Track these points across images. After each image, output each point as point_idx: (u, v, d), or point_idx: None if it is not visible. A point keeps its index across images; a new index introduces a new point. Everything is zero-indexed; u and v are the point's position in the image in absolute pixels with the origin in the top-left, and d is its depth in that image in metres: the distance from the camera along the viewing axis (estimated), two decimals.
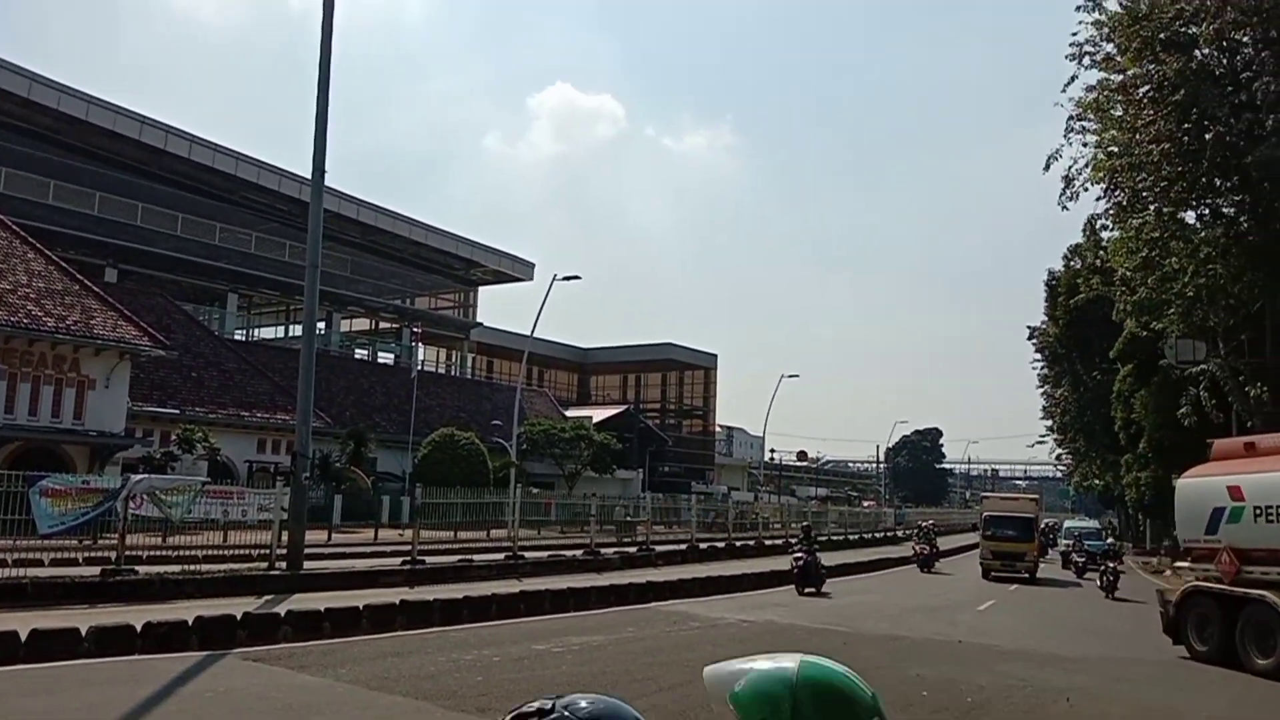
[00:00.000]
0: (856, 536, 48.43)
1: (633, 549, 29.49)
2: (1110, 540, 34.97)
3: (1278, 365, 27.28)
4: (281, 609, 14.16)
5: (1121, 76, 25.83)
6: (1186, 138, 24.05)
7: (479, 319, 78.77)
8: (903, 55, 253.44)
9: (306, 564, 19.17)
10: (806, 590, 22.90)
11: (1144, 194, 26.03)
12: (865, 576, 30.46)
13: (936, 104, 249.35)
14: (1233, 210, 26.14)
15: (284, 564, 18.61)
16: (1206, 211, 26.64)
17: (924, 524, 38.54)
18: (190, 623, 12.46)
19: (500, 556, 24.35)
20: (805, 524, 29.68)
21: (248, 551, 20.80)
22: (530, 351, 53.66)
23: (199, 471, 33.30)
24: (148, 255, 53.77)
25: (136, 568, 17.08)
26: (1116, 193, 26.67)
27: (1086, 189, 26.96)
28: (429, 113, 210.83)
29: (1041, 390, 69.12)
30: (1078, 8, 25.80)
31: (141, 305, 41.38)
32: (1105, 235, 31.44)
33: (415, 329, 63.09)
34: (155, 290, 48.74)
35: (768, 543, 36.50)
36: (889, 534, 53.89)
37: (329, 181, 21.93)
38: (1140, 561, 44.74)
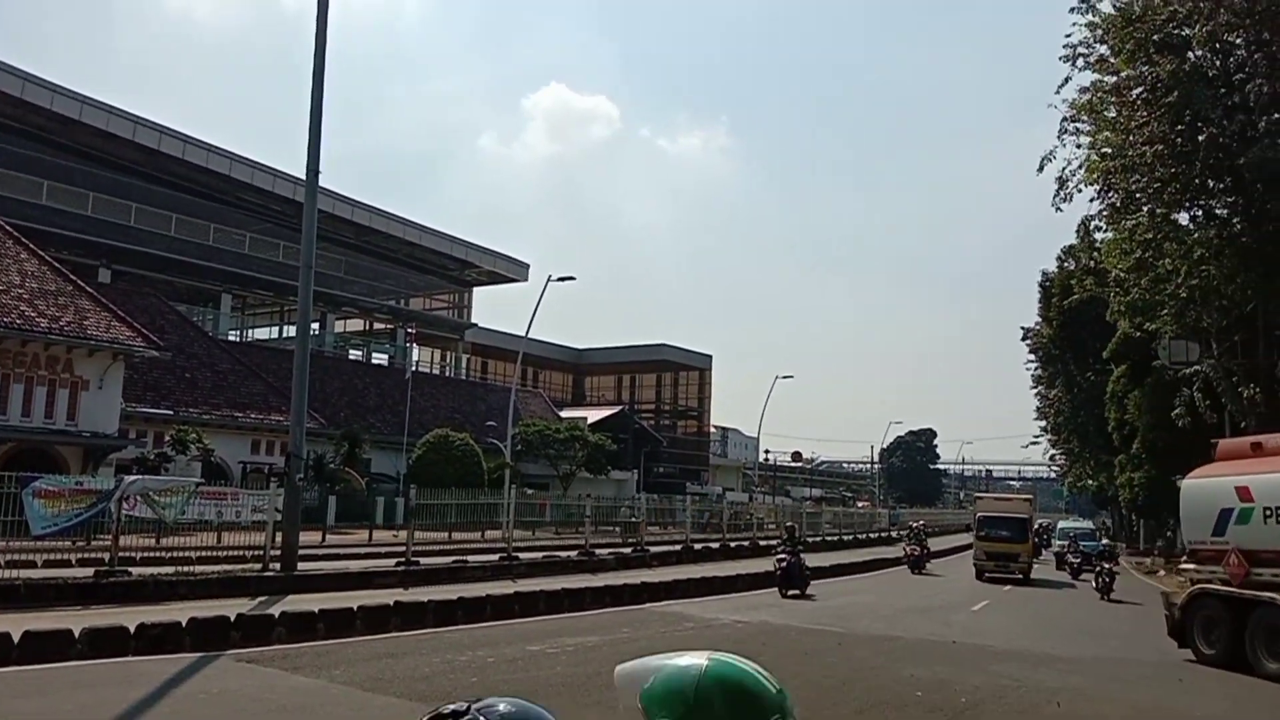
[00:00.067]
0: (851, 537, 48.48)
1: (628, 550, 29.48)
2: (1106, 541, 34.84)
3: (1270, 366, 27.36)
4: (275, 610, 14.14)
5: (1115, 78, 25.89)
6: (1180, 139, 24.12)
7: (474, 320, 78.77)
8: (897, 56, 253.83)
9: (301, 565, 19.14)
10: (790, 593, 22.44)
11: (1137, 195, 26.11)
12: (858, 577, 30.46)
13: (931, 105, 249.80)
14: (1226, 212, 26.22)
15: (278, 565, 18.57)
16: (1200, 213, 26.72)
17: (914, 524, 38.38)
18: (184, 624, 12.44)
19: (495, 557, 24.32)
20: (789, 525, 29.44)
21: (242, 553, 20.76)
22: (525, 352, 53.64)
23: (193, 472, 33.22)
24: (141, 256, 53.67)
25: (130, 569, 17.05)
26: (1110, 194, 26.73)
27: (1080, 190, 27.03)
28: (424, 113, 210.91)
29: (1035, 391, 69.39)
30: (1072, 9, 25.88)
31: (135, 306, 41.31)
32: (1099, 236, 31.59)
33: (410, 330, 63.08)
34: (149, 291, 48.67)
35: (762, 543, 36.47)
36: (883, 534, 53.92)
37: (323, 182, 21.92)
38: (1134, 562, 44.85)
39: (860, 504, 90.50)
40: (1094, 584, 27.30)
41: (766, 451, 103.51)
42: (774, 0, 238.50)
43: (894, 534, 54.35)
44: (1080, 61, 26.17)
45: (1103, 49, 25.85)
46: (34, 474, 18.52)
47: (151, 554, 19.92)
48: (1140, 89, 25.11)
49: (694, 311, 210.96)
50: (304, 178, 20.84)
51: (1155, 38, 24.61)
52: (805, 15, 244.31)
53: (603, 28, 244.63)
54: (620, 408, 77.41)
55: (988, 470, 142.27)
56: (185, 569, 17.81)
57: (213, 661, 11.41)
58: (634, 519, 41.16)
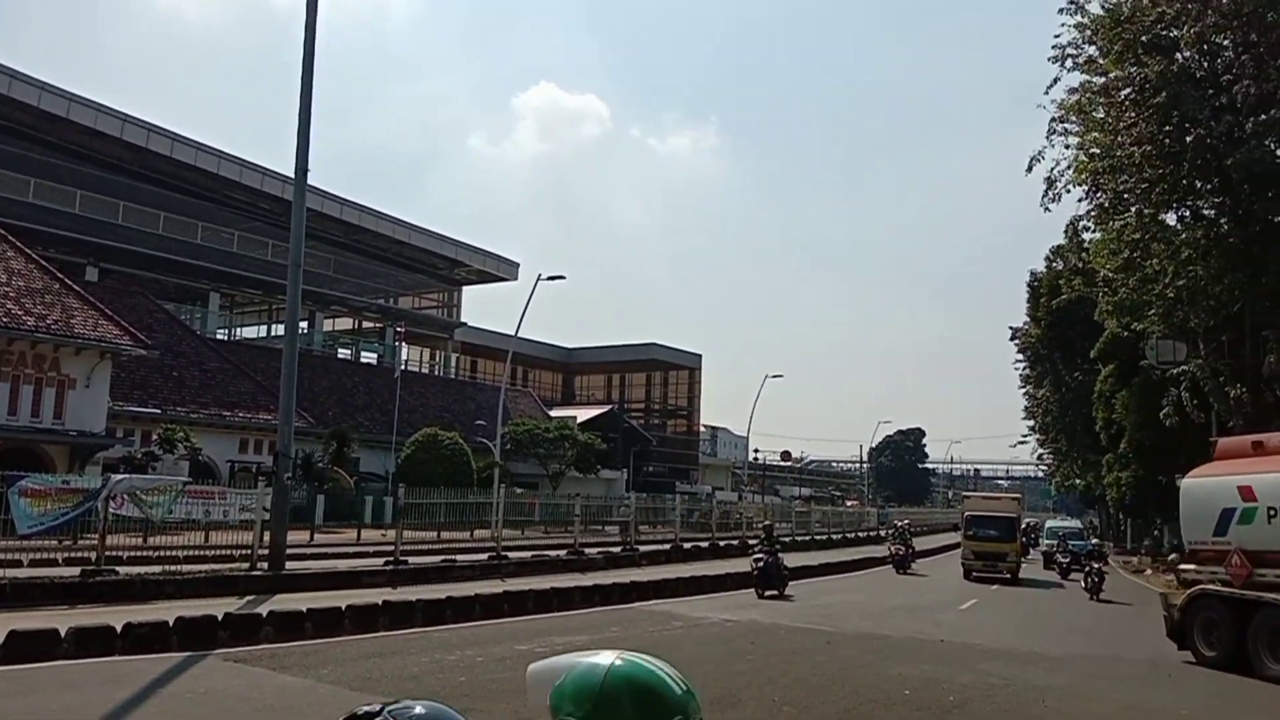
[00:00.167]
0: (840, 536, 48.63)
1: (617, 549, 29.47)
2: (1095, 541, 34.72)
3: (1257, 366, 27.50)
4: (263, 609, 14.10)
5: (1103, 79, 25.96)
6: (1167, 140, 24.21)
7: (463, 319, 78.60)
8: (887, 57, 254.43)
9: (289, 564, 19.10)
10: (767, 593, 21.87)
11: (1125, 196, 26.18)
12: (845, 576, 30.55)
13: (921, 105, 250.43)
14: (1213, 212, 26.33)
15: (266, 564, 18.53)
16: (1187, 213, 26.82)
17: (899, 523, 38.00)
18: (171, 623, 12.39)
19: (484, 557, 24.31)
20: (766, 523, 28.94)
21: (229, 552, 20.72)
22: (514, 351, 53.58)
23: (180, 471, 33.09)
24: (129, 254, 53.39)
25: (117, 568, 16.98)
26: (1098, 194, 26.79)
27: (1069, 191, 27.07)
28: (413, 112, 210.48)
29: (1023, 390, 69.58)
30: (1060, 10, 25.93)
31: (123, 304, 41.11)
32: (1087, 237, 31.60)
33: (399, 328, 62.91)
34: (136, 289, 48.42)
35: (751, 542, 36.43)
36: (872, 533, 54.06)
37: (312, 180, 21.87)
38: (1121, 561, 45.01)
39: (849, 503, 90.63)
40: (1083, 584, 27.22)
41: (756, 451, 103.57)
42: (764, 1, 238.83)
43: (882, 533, 54.43)
44: (1069, 62, 26.24)
45: (1091, 50, 25.92)
46: (20, 473, 18.41)
47: (138, 553, 19.85)
48: (1128, 90, 25.19)
49: (684, 311, 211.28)
50: (293, 176, 20.79)
51: (1143, 39, 24.69)
52: (795, 16, 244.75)
53: (592, 27, 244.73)
54: (610, 407, 77.36)
55: (976, 469, 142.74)
56: (172, 568, 17.75)
57: (200, 661, 11.37)
58: (624, 518, 41.22)
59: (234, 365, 46.64)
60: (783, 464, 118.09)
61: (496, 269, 75.35)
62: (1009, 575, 31.11)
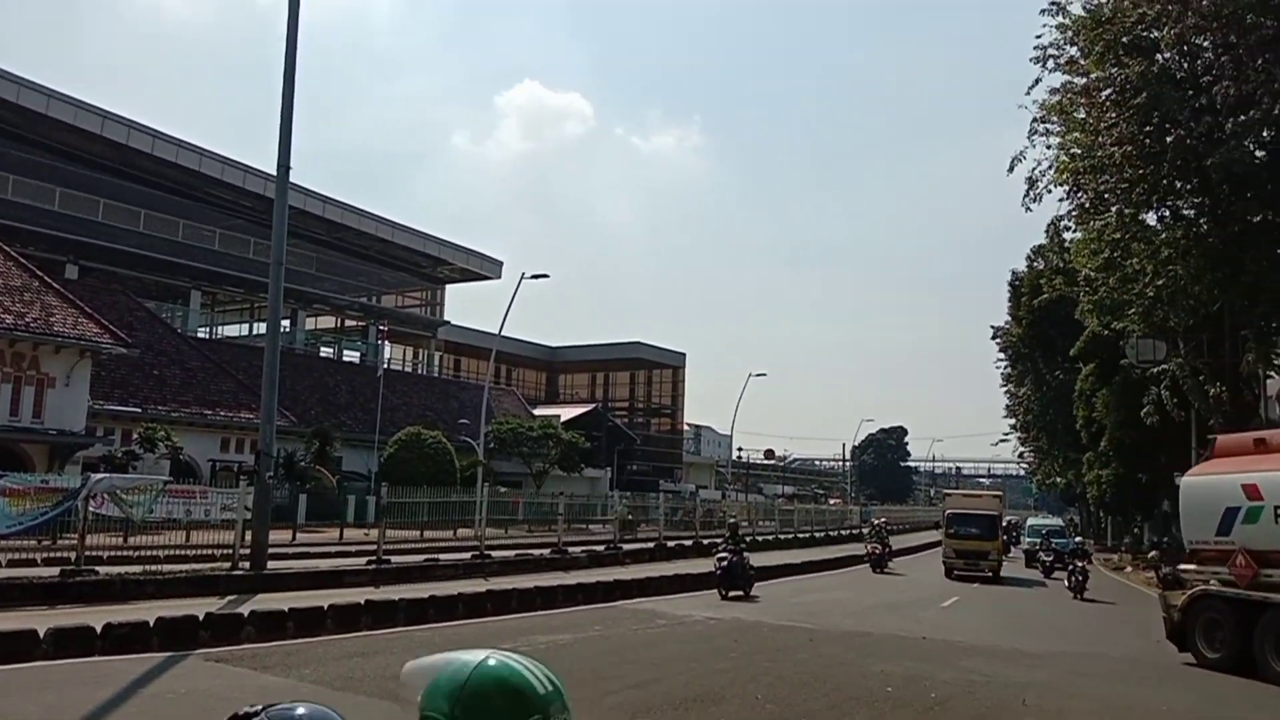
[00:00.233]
0: (823, 534, 48.76)
1: (601, 547, 29.46)
2: (1079, 539, 34.50)
3: (1236, 365, 27.72)
4: (245, 609, 14.03)
5: (1085, 79, 26.11)
6: (1148, 140, 24.37)
7: (446, 317, 78.42)
8: (870, 57, 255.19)
9: (270, 564, 19.00)
10: (732, 594, 21.19)
11: (1106, 196, 26.34)
12: (828, 574, 30.62)
13: (904, 105, 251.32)
14: (1193, 212, 26.52)
15: (247, 564, 18.43)
16: (1167, 213, 27.00)
17: (876, 521, 37.68)
18: (151, 623, 12.31)
19: (467, 555, 24.27)
20: (731, 521, 28.56)
21: (211, 551, 20.62)
22: (498, 350, 53.48)
23: (161, 471, 32.90)
24: (109, 252, 53.04)
25: (97, 568, 16.84)
26: (1079, 194, 26.96)
27: (1050, 191, 27.24)
28: (396, 110, 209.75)
29: (1005, 389, 70.00)
30: (1042, 11, 26.08)
31: (103, 302, 40.80)
32: (1068, 236, 31.88)
33: (381, 327, 62.70)
34: (117, 287, 48.06)
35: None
36: (854, 531, 54.21)
37: (295, 178, 21.78)
38: (1102, 559, 45.26)
39: (832, 501, 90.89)
40: (1066, 582, 27.04)
41: (739, 449, 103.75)
42: (748, 0, 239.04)
43: (865, 531, 54.67)
44: (1050, 63, 26.40)
45: (1073, 50, 26.07)
46: None
47: (119, 553, 19.73)
48: (1109, 90, 25.34)
49: (668, 310, 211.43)
50: (275, 174, 20.68)
51: (1124, 40, 24.84)
52: (778, 15, 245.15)
53: (576, 25, 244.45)
54: (594, 405, 77.35)
55: (958, 467, 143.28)
56: (153, 568, 17.64)
57: (181, 661, 11.32)
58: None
59: (215, 364, 46.38)
60: (766, 462, 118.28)
61: (480, 267, 75.19)
62: (991, 574, 30.89)
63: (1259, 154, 24.36)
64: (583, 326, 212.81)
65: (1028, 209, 27.54)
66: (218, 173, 56.27)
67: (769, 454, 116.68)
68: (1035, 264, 53.94)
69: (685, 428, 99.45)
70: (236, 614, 13.68)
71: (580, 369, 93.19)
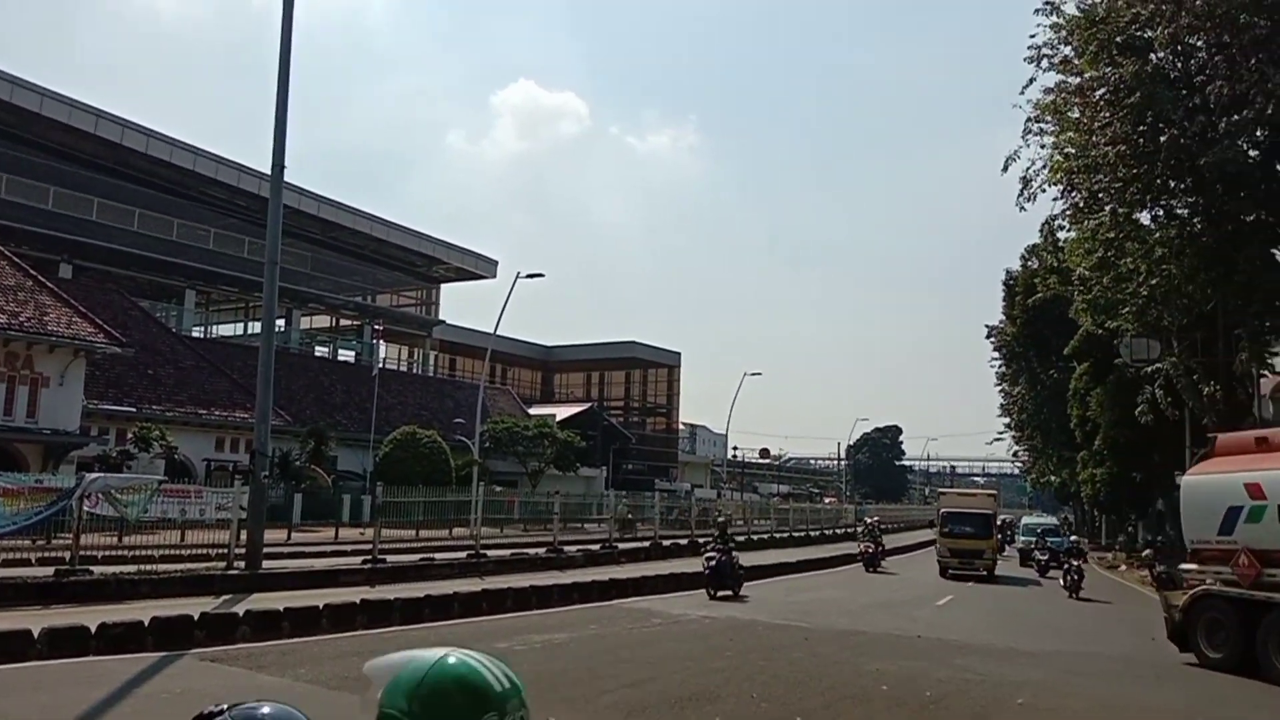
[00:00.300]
0: (818, 532, 48.86)
1: (596, 546, 29.46)
2: (1074, 537, 34.35)
3: (1229, 364, 27.80)
4: (240, 609, 14.03)
5: (1079, 79, 26.18)
6: (1141, 140, 24.44)
7: (441, 316, 78.35)
8: (865, 57, 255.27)
9: (265, 563, 18.99)
10: (720, 594, 21.04)
11: (1100, 195, 26.42)
12: (819, 573, 30.63)
13: (900, 105, 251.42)
14: (1186, 211, 26.60)
15: (242, 563, 18.42)
16: (1161, 212, 27.09)
17: (869, 520, 37.59)
18: (146, 623, 12.29)
19: (463, 555, 24.26)
20: (720, 520, 28.41)
21: (205, 551, 20.59)
22: (493, 349, 53.43)
23: (156, 470, 32.84)
24: (104, 251, 52.92)
25: (91, 568, 16.80)
26: (1073, 194, 27.03)
27: (1044, 190, 27.31)
28: (391, 109, 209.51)
29: (999, 388, 70.12)
30: (1036, 10, 26.14)
31: (97, 302, 40.72)
32: (1062, 236, 31.96)
33: (377, 326, 62.69)
34: (111, 287, 48.00)
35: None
36: (849, 530, 54.29)
37: (289, 178, 21.77)
38: (1096, 557, 45.33)
39: (827, 500, 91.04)
40: (1062, 581, 26.98)
41: (735, 448, 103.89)
42: (743, 0, 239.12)
43: (859, 530, 54.77)
44: (1045, 63, 26.47)
45: (1067, 50, 26.14)
46: None
47: (113, 553, 19.68)
48: (1103, 90, 25.41)
49: (663, 309, 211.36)
50: (269, 173, 20.67)
51: (1118, 39, 24.91)
52: (775, 15, 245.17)
53: (572, 24, 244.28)
54: (589, 405, 77.37)
55: (952, 466, 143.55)
56: (148, 568, 17.60)
57: (175, 661, 11.30)
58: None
59: (210, 363, 46.31)
60: (761, 461, 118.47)
61: (475, 267, 75.14)
62: (985, 573, 30.79)
63: (1252, 153, 24.45)
64: (578, 326, 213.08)
65: (1022, 208, 27.63)
66: (212, 172, 56.19)
67: (764, 453, 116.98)
68: (1030, 263, 54.03)
69: (680, 427, 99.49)
70: (231, 614, 13.66)
71: (575, 368, 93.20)
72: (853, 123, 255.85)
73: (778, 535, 42.81)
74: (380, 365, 59.69)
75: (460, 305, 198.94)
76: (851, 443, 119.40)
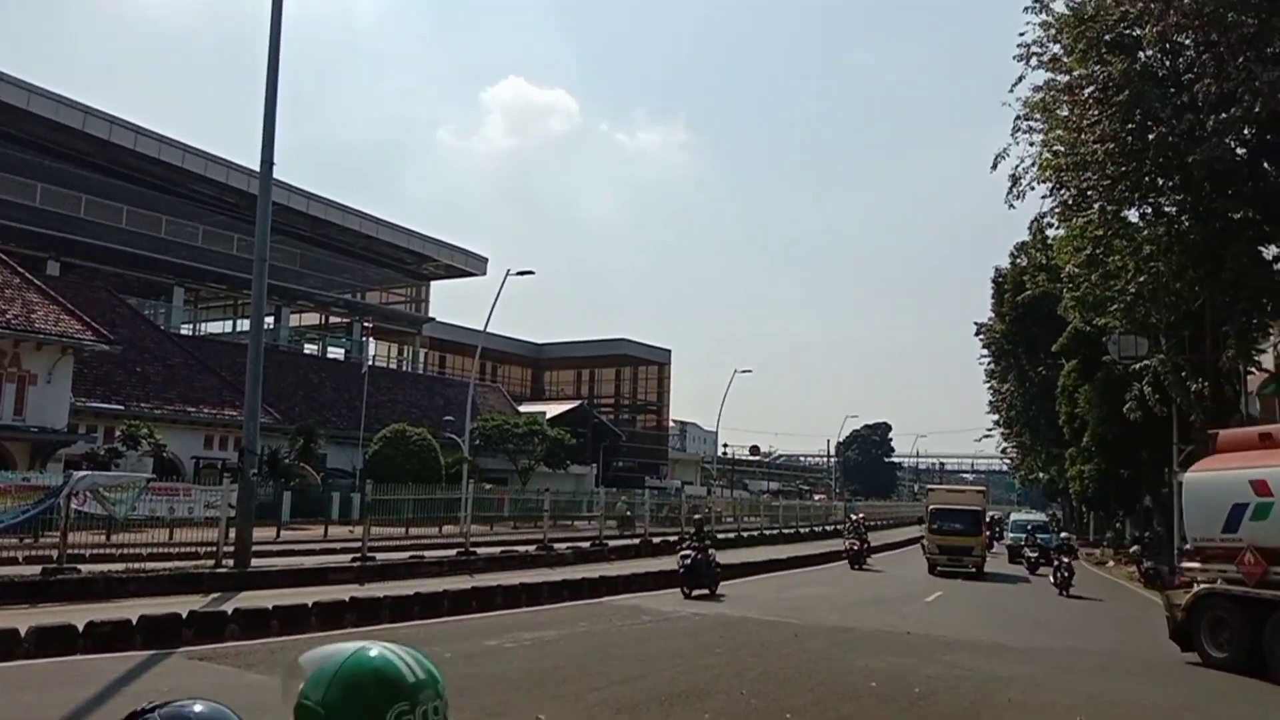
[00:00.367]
0: (808, 529, 48.95)
1: (586, 544, 29.46)
2: (1064, 534, 34.30)
3: (1217, 361, 27.91)
4: (228, 607, 13.98)
5: (1067, 77, 26.23)
6: (1130, 138, 24.49)
7: (431, 314, 78.27)
8: (855, 55, 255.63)
9: (254, 561, 18.93)
10: (696, 592, 20.60)
11: (1088, 192, 26.48)
12: (808, 570, 30.70)
13: (888, 103, 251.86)
14: (1174, 209, 26.67)
15: (231, 561, 18.36)
16: (1149, 210, 27.15)
17: (854, 517, 37.46)
18: (134, 622, 12.25)
19: (452, 552, 24.23)
20: (697, 517, 28.11)
21: (194, 549, 20.54)
22: (483, 347, 53.42)
23: (144, 468, 32.71)
24: (91, 248, 52.70)
25: (79, 566, 16.74)
26: (1062, 191, 27.09)
27: (1033, 188, 27.33)
28: (380, 106, 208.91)
29: (988, 385, 70.27)
30: (1025, 9, 26.17)
31: (85, 299, 40.52)
32: (1051, 233, 31.98)
33: (366, 324, 62.48)
34: (99, 284, 47.76)
35: (720, 536, 36.65)
36: (839, 527, 54.41)
37: (278, 174, 21.68)
38: (1084, 554, 45.48)
39: (817, 497, 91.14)
40: (1052, 579, 26.95)
41: (725, 445, 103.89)
42: None
43: (844, 527, 54.87)
44: (1033, 60, 26.50)
45: (1055, 48, 26.18)
46: None
47: (101, 551, 19.63)
48: (1092, 88, 25.46)
49: (654, 307, 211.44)
50: (258, 170, 20.59)
51: (1107, 37, 24.97)
52: (765, 14, 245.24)
53: (562, 21, 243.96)
54: (579, 402, 77.38)
55: (941, 463, 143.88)
56: (136, 566, 17.55)
57: (164, 660, 11.27)
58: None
59: (199, 361, 46.15)
60: (751, 458, 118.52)
61: (465, 264, 75.05)
62: (974, 569, 30.74)
63: (1240, 151, 24.52)
64: (568, 323, 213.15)
65: (1011, 206, 27.67)
66: (200, 169, 55.95)
67: (754, 450, 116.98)
68: (1018, 261, 54.17)
69: (671, 424, 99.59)
70: (220, 612, 13.62)
71: (565, 366, 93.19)
72: (842, 120, 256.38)
73: (768, 532, 42.88)
74: (370, 363, 59.59)
75: (450, 302, 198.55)
76: (841, 440, 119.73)
